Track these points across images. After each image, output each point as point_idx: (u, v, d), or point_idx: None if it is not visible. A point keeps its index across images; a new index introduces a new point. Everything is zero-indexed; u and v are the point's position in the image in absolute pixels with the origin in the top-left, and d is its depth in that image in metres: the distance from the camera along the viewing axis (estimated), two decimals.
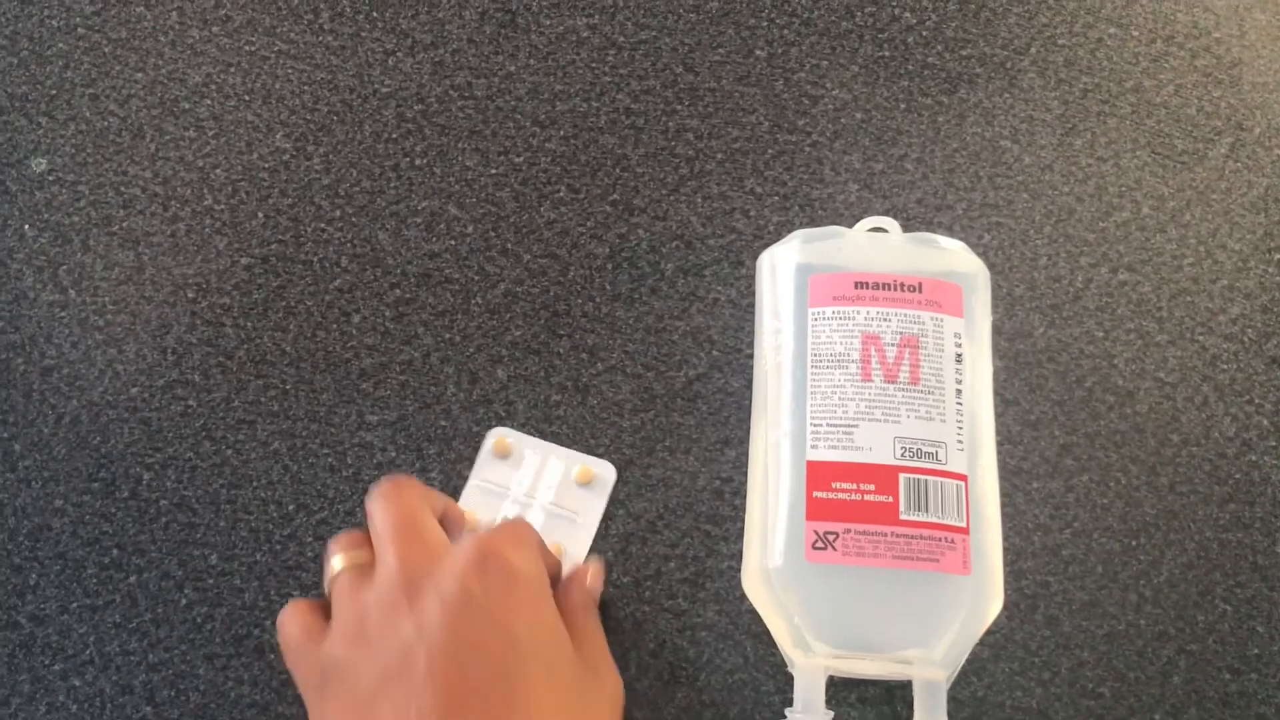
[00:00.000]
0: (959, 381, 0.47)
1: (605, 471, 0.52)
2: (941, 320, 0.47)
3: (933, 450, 0.45)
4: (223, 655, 0.50)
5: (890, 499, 0.44)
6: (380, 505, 0.43)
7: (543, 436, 0.53)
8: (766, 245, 0.52)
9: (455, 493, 0.52)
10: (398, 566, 0.41)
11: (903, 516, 0.44)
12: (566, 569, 0.48)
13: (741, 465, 0.51)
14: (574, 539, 0.51)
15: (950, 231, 0.56)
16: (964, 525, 0.44)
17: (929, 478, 0.45)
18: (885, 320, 0.47)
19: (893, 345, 0.47)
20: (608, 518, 0.51)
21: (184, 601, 0.51)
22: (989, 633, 0.46)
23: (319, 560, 0.51)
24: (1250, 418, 0.53)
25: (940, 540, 0.44)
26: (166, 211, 0.58)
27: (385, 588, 0.41)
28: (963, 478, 0.45)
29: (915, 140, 0.59)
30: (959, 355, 0.47)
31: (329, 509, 0.52)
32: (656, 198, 0.58)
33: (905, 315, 0.47)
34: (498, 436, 0.53)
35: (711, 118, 0.59)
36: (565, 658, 0.41)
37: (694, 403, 0.54)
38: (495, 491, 0.52)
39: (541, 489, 0.52)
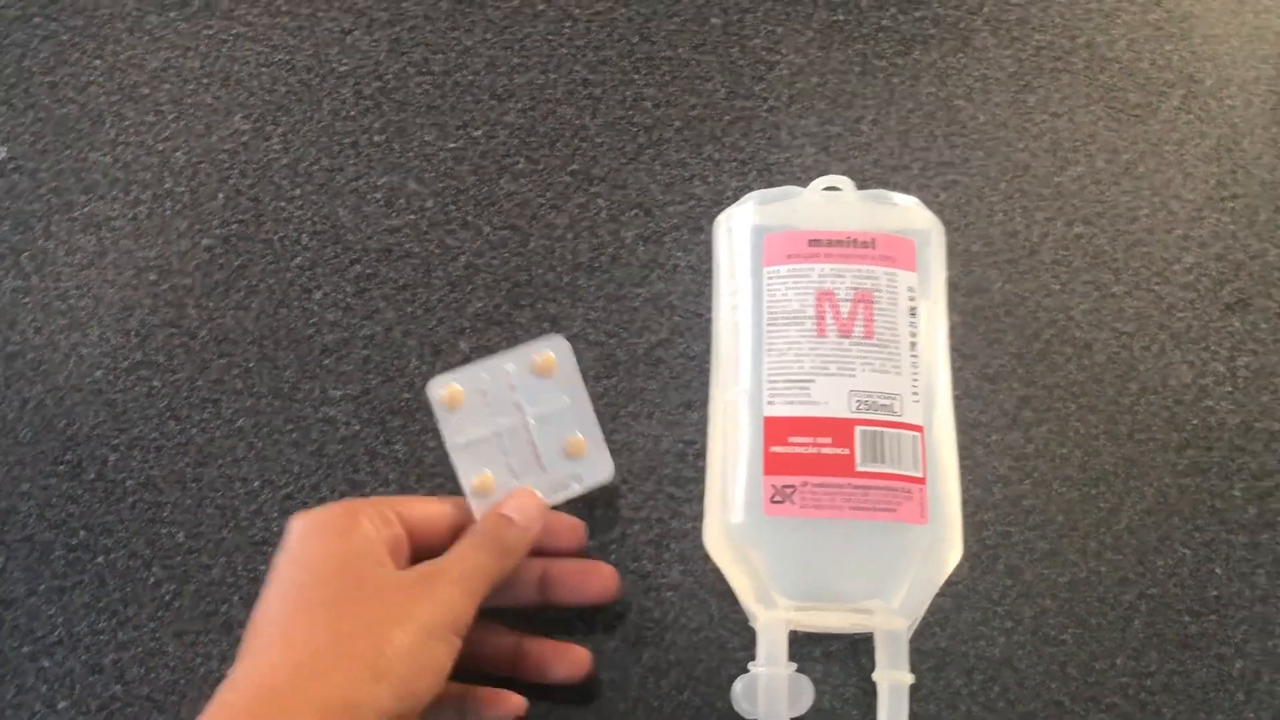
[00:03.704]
0: (913, 334, 0.47)
1: (556, 347, 0.50)
2: (895, 275, 0.48)
3: (888, 403, 0.46)
4: (191, 632, 0.50)
5: (847, 451, 0.45)
6: None
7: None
8: (725, 210, 0.52)
9: (425, 464, 0.52)
10: None
11: (859, 468, 0.45)
12: (589, 453, 0.49)
13: (704, 428, 0.52)
14: (580, 422, 0.49)
15: (907, 191, 0.56)
16: (920, 475, 0.45)
17: (885, 430, 0.45)
18: (839, 276, 0.48)
19: (847, 301, 0.47)
20: None
21: (152, 580, 0.51)
22: (951, 584, 0.46)
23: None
24: (1206, 364, 0.53)
25: (897, 490, 0.44)
26: (127, 195, 0.58)
27: None
28: (918, 429, 0.45)
29: (871, 102, 0.59)
30: (913, 309, 0.47)
31: (294, 484, 0.52)
32: (615, 166, 0.58)
33: (859, 271, 0.48)
34: (443, 389, 0.49)
35: (668, 86, 0.60)
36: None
37: (656, 368, 0.54)
38: (480, 441, 0.49)
39: (521, 407, 0.49)
